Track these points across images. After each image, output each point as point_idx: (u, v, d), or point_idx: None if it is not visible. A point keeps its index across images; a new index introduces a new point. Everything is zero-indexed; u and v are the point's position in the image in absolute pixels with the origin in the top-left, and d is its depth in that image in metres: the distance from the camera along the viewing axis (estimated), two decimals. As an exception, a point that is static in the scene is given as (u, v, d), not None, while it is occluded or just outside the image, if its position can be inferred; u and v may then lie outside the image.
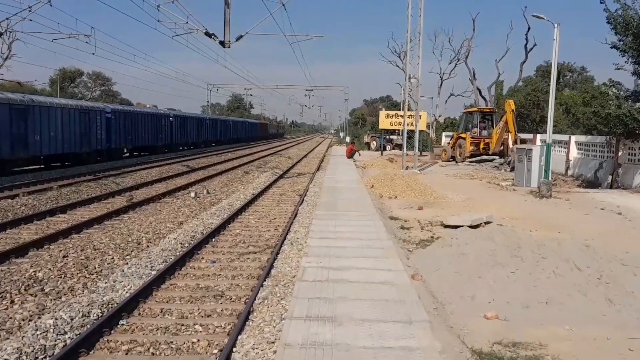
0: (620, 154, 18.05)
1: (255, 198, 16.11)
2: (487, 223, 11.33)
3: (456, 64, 53.67)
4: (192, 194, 16.79)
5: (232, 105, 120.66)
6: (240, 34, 20.90)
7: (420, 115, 28.45)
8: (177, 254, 9.27)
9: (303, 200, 15.64)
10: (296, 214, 13.12)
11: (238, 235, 11.16)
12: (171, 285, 7.73)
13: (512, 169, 24.59)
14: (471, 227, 10.79)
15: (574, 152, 21.99)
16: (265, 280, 7.67)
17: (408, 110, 25.23)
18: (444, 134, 47.10)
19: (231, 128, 65.62)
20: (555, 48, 15.28)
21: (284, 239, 10.35)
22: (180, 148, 46.45)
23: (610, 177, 18.16)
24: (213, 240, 10.63)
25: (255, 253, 9.66)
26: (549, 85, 39.00)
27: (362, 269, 6.79)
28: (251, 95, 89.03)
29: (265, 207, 14.92)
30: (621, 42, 16.71)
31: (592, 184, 19.46)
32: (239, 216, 13.32)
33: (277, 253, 9.27)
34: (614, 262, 7.09)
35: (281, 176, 23.26)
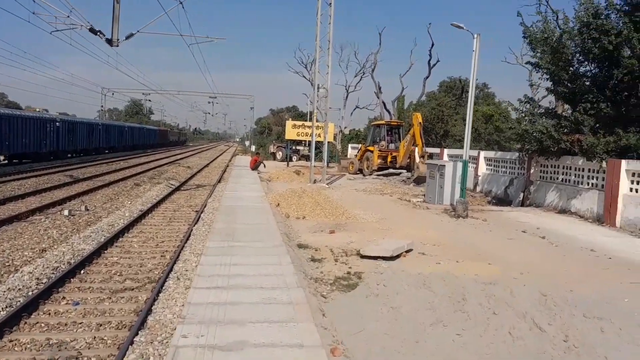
0: (532, 171, 17.48)
1: (144, 215, 13.92)
2: (408, 251, 9.85)
3: (362, 77, 53.44)
4: (66, 212, 14.05)
5: (130, 110, 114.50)
6: (132, 32, 18.37)
7: (328, 127, 26.98)
8: (29, 294, 7.12)
9: (199, 217, 13.72)
10: (189, 236, 11.17)
11: (115, 265, 9.08)
12: (10, 342, 5.57)
13: (417, 183, 23.96)
14: (392, 257, 9.24)
15: (483, 168, 21.43)
16: (138, 334, 5.73)
17: (316, 120, 23.63)
18: (350, 145, 46.36)
19: (127, 134, 61.13)
20: (474, 59, 14.28)
21: (171, 269, 8.40)
22: (69, 155, 42.19)
23: (521, 194, 17.54)
24: (82, 272, 8.53)
25: (133, 290, 7.68)
26: (454, 100, 39.69)
27: (262, 346, 4.68)
28: (150, 100, 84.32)
29: (154, 226, 12.79)
30: (537, 59, 16.13)
31: (502, 200, 18.84)
32: (121, 239, 11.15)
33: (159, 291, 7.32)
34: (576, 315, 5.67)
35: (177, 188, 20.95)
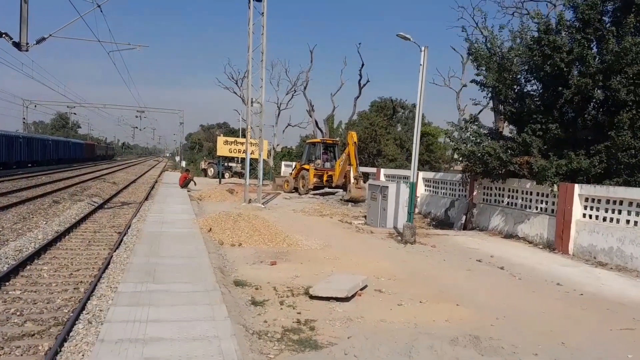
0: (475, 193, 16.46)
1: (60, 237, 12.03)
2: (363, 288, 8.24)
3: (293, 95, 52.02)
4: None
5: (57, 124, 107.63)
6: (43, 36, 15.89)
7: (262, 144, 25.17)
8: None
9: (122, 240, 11.86)
10: (109, 263, 9.49)
11: (16, 302, 7.19)
12: None
13: (350, 202, 22.79)
14: (347, 298, 7.58)
15: (421, 189, 20.34)
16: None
17: (247, 136, 21.74)
18: (283, 163, 44.68)
19: (51, 148, 56.47)
20: (422, 72, 13.03)
21: (83, 307, 6.62)
22: (-15, 170, 38.01)
23: (464, 217, 16.48)
24: (-31, 314, 6.37)
25: (33, 336, 5.90)
26: (385, 119, 39.04)
27: None
28: (75, 114, 79.24)
29: (70, 251, 10.94)
30: (483, 76, 15.15)
31: (443, 223, 17.74)
32: (28, 267, 9.31)
33: (65, 338, 5.55)
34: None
35: (100, 206, 18.66)
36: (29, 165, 48.39)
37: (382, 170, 24.24)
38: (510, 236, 14.56)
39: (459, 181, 17.66)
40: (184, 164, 55.76)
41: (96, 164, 70.12)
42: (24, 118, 65.47)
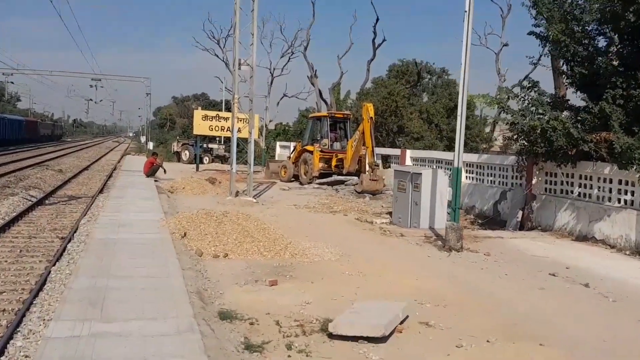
0: (534, 181, 15.42)
1: None
2: (403, 320, 7.25)
3: (290, 58, 50.82)
4: None
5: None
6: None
7: (247, 119, 24.12)
8: None
9: (65, 249, 11.07)
10: (45, 282, 8.72)
11: None
12: None
13: (361, 193, 22.11)
14: (383, 338, 6.60)
15: (461, 176, 19.23)
16: None
17: (237, 109, 20.60)
18: (278, 143, 43.69)
19: (-20, 126, 55.65)
20: (467, 21, 11.87)
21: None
22: None
23: (520, 213, 15.49)
24: None
25: None
26: (407, 87, 37.82)
27: None
28: (12, 82, 77.73)
29: None
30: (544, 28, 14.22)
31: (491, 219, 16.76)
32: None
33: None
34: None
35: (40, 202, 17.83)
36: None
37: (409, 152, 23.15)
38: (584, 238, 13.59)
39: (512, 166, 16.62)
40: (151, 145, 54.89)
41: (39, 146, 69.05)
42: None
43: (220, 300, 8.01)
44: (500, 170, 17.65)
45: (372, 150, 22.90)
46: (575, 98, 15.54)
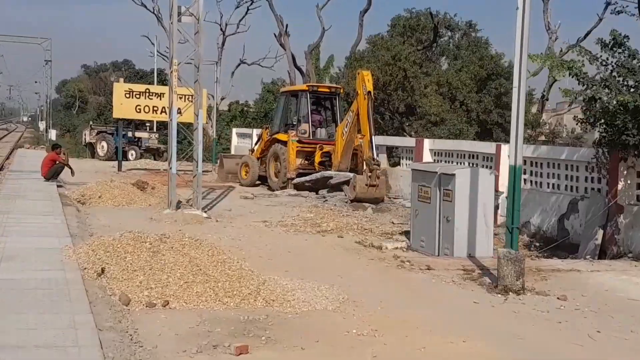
0: (621, 185, 14.54)
1: None
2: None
3: (248, 10, 49.58)
4: None
5: None
6: None
7: (191, 96, 22.98)
8: None
9: None
10: None
11: None
12: None
13: (355, 202, 21.53)
14: None
15: (504, 178, 18.29)
16: None
17: (172, 79, 19.31)
18: (234, 131, 42.50)
19: None
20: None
21: None
22: None
23: (600, 233, 14.57)
24: None
25: None
26: (419, 49, 36.92)
27: None
28: None
29: None
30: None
31: (553, 241, 15.77)
32: None
33: None
34: None
35: None
36: None
37: (427, 143, 22.14)
38: None
39: (587, 163, 15.72)
40: (53, 134, 53.49)
41: None
42: None
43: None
44: (567, 169, 16.71)
45: (371, 141, 21.98)
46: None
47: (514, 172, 11.30)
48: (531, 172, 18.02)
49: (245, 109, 52.93)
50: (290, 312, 9.60)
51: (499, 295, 10.85)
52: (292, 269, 12.05)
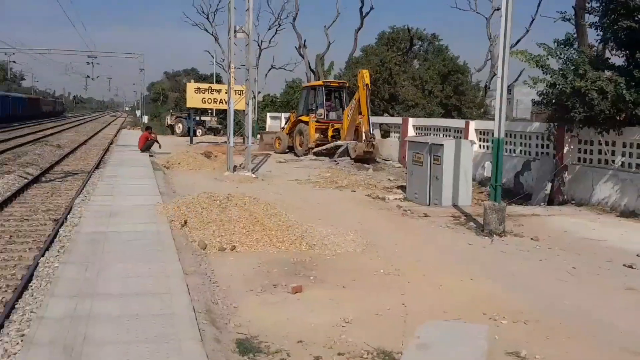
0: (565, 150, 13.01)
1: None
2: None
3: (277, 30, 47.35)
4: None
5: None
6: None
7: (241, 91, 21.46)
8: None
9: (57, 233, 9.04)
10: (31, 276, 6.84)
11: None
12: None
13: (355, 160, 20.28)
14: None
15: (475, 146, 16.65)
16: None
17: (230, 78, 17.78)
18: (268, 114, 40.79)
19: (-17, 104, 52.04)
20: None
21: None
22: None
23: (549, 186, 13.09)
24: None
25: None
26: (399, 55, 35.04)
27: None
28: (14, 62, 74.05)
29: None
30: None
31: (511, 192, 14.21)
32: None
33: None
34: None
35: (36, 179, 15.54)
36: (-45, 125, 44.18)
37: (411, 121, 20.52)
38: (631, 214, 11.25)
39: (537, 133, 14.16)
40: (145, 119, 51.81)
41: (41, 122, 65.51)
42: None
43: (236, 320, 5.59)
44: (522, 138, 15.13)
45: (368, 119, 20.68)
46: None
47: (497, 142, 9.77)
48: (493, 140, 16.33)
49: (274, 99, 51.07)
50: (328, 255, 8.22)
51: (486, 238, 9.38)
52: (323, 218, 10.61)
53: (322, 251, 8.31)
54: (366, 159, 20.51)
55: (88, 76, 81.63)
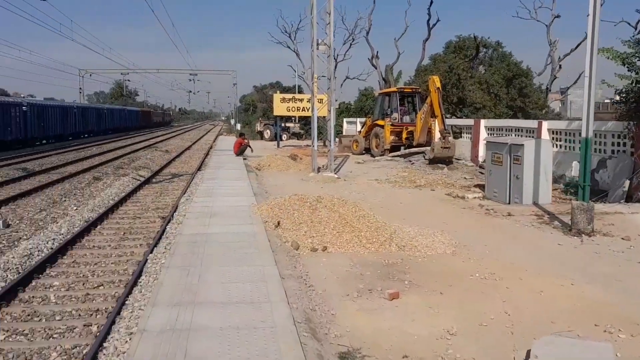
0: (644, 147, 11.38)
1: (89, 229, 9.15)
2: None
3: (351, 45, 46.28)
4: None
5: (115, 93, 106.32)
6: None
7: (322, 99, 20.65)
8: None
9: (164, 230, 8.75)
10: (141, 272, 6.57)
11: None
12: None
13: (432, 161, 18.76)
14: None
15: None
16: None
17: (313, 87, 17.05)
18: (344, 120, 39.90)
19: (106, 117, 54.07)
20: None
21: None
22: (39, 142, 35.60)
23: (627, 183, 11.48)
24: None
25: None
26: (466, 61, 33.23)
27: None
28: (129, 80, 76.98)
29: (97, 249, 8.10)
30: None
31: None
32: (33, 283, 6.50)
33: None
34: None
35: (148, 181, 15.52)
36: (84, 135, 46.07)
37: (483, 122, 19.02)
38: None
39: (613, 132, 12.51)
40: (239, 126, 52.13)
41: (152, 131, 67.87)
42: (80, 88, 63.42)
43: (336, 330, 4.81)
44: (597, 137, 13.48)
45: (442, 119, 19.38)
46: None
47: (585, 142, 8.47)
48: (566, 139, 14.69)
49: (349, 106, 50.12)
50: (419, 256, 7.26)
51: (575, 238, 8.12)
52: (407, 218, 9.65)
53: (412, 253, 7.38)
54: (444, 158, 19.19)
55: (190, 91, 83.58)
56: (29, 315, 5.54)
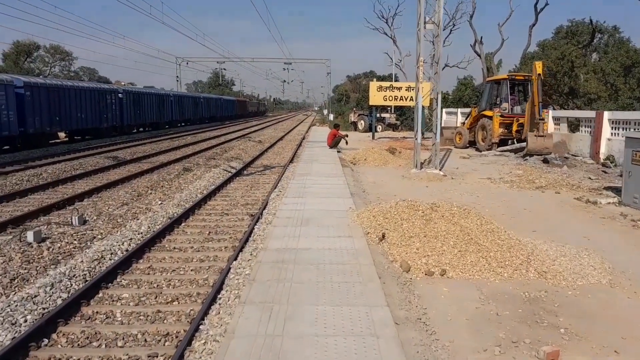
0: None
1: (172, 226, 8.51)
2: None
3: (451, 31, 43.58)
4: (30, 235, 7.67)
5: (213, 82, 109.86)
6: None
7: (423, 87, 18.77)
8: None
9: (252, 231, 8.04)
10: (223, 282, 5.84)
11: None
12: None
13: (527, 155, 17.35)
14: None
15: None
16: None
17: (418, 72, 15.22)
18: (444, 110, 37.57)
19: (202, 106, 55.43)
20: None
21: None
22: (136, 130, 36.84)
23: None
24: None
25: None
26: (580, 48, 29.92)
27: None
28: (225, 69, 78.58)
29: (178, 252, 7.37)
30: None
31: None
32: (102, 292, 5.83)
33: None
34: None
35: (238, 173, 14.90)
36: (180, 124, 47.28)
37: (606, 114, 16.39)
38: None
39: None
40: (332, 117, 51.19)
41: (247, 120, 68.93)
42: (177, 76, 65.63)
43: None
44: None
45: (539, 107, 17.46)
46: None
47: None
48: None
49: (446, 96, 47.44)
50: (567, 287, 5.58)
51: None
52: (538, 230, 7.91)
53: (557, 282, 5.70)
54: (540, 150, 17.22)
55: (284, 80, 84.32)
56: (87, 338, 4.74)
